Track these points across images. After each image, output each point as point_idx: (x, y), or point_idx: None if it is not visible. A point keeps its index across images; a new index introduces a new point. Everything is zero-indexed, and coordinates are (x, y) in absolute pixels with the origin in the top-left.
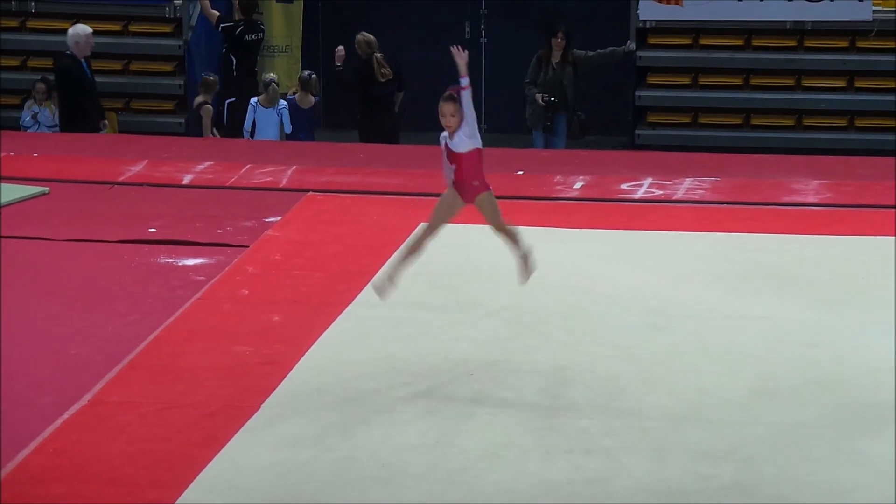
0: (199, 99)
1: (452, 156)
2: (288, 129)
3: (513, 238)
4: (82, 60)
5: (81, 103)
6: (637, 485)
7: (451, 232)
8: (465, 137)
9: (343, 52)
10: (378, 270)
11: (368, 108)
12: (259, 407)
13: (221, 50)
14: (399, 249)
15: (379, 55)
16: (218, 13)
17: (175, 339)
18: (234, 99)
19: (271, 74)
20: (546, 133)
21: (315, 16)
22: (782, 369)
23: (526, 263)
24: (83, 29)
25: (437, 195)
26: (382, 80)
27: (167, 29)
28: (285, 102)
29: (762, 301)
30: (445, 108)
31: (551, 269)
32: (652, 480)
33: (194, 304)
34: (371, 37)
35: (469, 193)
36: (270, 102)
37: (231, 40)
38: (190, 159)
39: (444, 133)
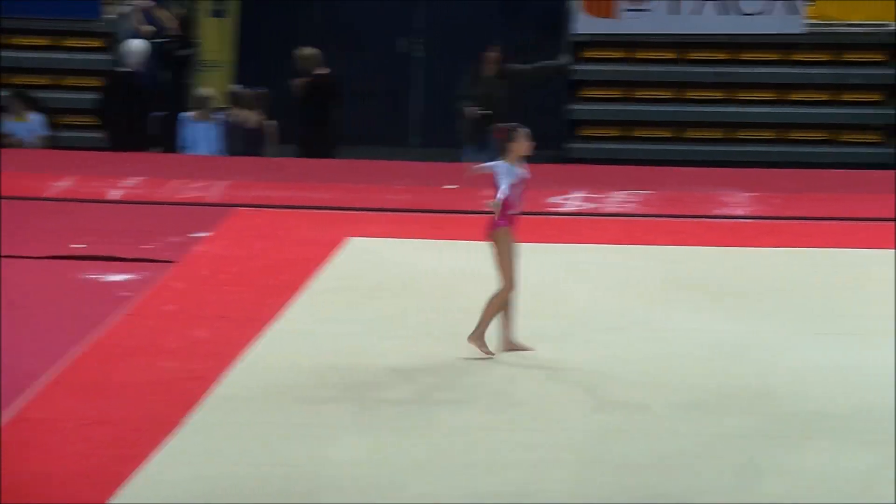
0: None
1: (523, 183)
2: (219, 145)
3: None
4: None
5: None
6: (561, 498)
7: (375, 246)
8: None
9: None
10: (304, 285)
11: (311, 123)
12: (184, 422)
13: (153, 65)
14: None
15: (323, 70)
16: (151, 28)
17: (101, 355)
18: (164, 114)
19: (205, 89)
20: (478, 147)
21: (248, 31)
22: (708, 380)
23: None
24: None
25: (367, 209)
26: (322, 96)
27: (97, 43)
28: (219, 118)
29: (690, 313)
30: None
31: (481, 284)
32: (575, 493)
33: (120, 320)
34: (313, 51)
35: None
36: (203, 118)
37: (161, 55)
38: (119, 175)
39: (501, 163)
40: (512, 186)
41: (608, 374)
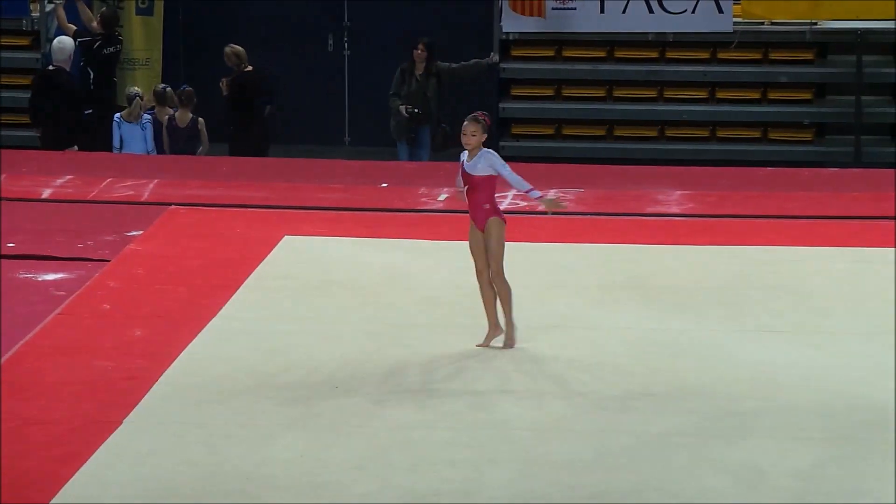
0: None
1: (466, 177)
2: (150, 145)
3: (504, 299)
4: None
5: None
6: (502, 495)
7: (312, 245)
8: (484, 165)
9: (227, 83)
10: (242, 284)
11: (240, 121)
12: (121, 422)
13: (79, 63)
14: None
15: (250, 67)
16: (75, 27)
17: (35, 354)
18: (90, 112)
19: (135, 88)
20: (410, 145)
21: (175, 29)
22: (646, 378)
23: (508, 335)
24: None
25: (302, 208)
26: (250, 93)
27: (24, 42)
28: (149, 117)
29: (626, 311)
30: (468, 127)
31: (418, 281)
32: (517, 491)
33: (55, 320)
34: (240, 48)
35: (480, 219)
36: (134, 117)
37: (88, 54)
38: (49, 173)
39: (465, 153)
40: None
41: (546, 372)
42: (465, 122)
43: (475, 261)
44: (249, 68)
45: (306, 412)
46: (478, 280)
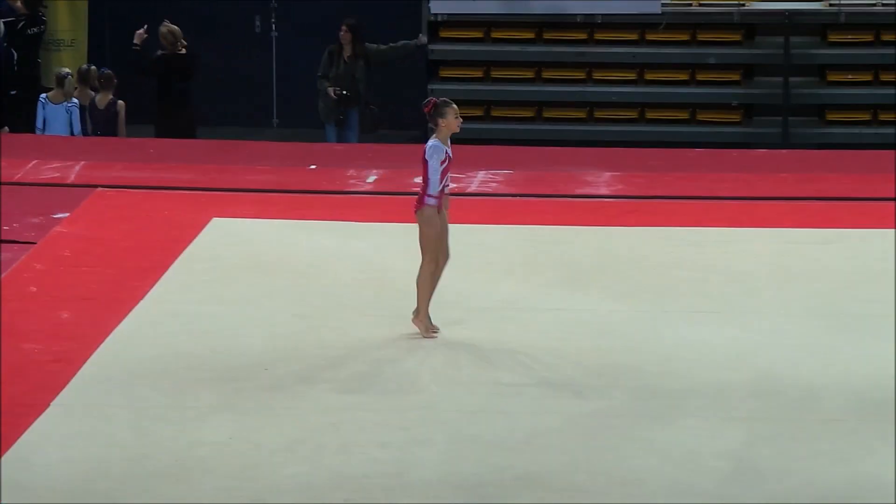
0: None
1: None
2: (77, 127)
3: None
4: None
5: None
6: (433, 477)
7: (240, 227)
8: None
9: (144, 33)
10: (170, 266)
11: (167, 102)
12: (48, 405)
13: (2, 44)
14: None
15: (183, 50)
16: None
17: None
18: (14, 92)
19: (66, 69)
20: (339, 127)
21: (101, 9)
22: (575, 359)
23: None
24: None
25: (231, 190)
26: (177, 74)
27: None
28: (76, 100)
29: (556, 292)
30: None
31: (347, 264)
32: (447, 472)
33: None
34: (176, 28)
35: (444, 199)
36: (65, 97)
37: (12, 34)
38: None
39: (442, 142)
40: (442, 164)
41: (477, 353)
42: (452, 106)
43: (442, 246)
44: (183, 50)
45: (236, 394)
46: (436, 266)
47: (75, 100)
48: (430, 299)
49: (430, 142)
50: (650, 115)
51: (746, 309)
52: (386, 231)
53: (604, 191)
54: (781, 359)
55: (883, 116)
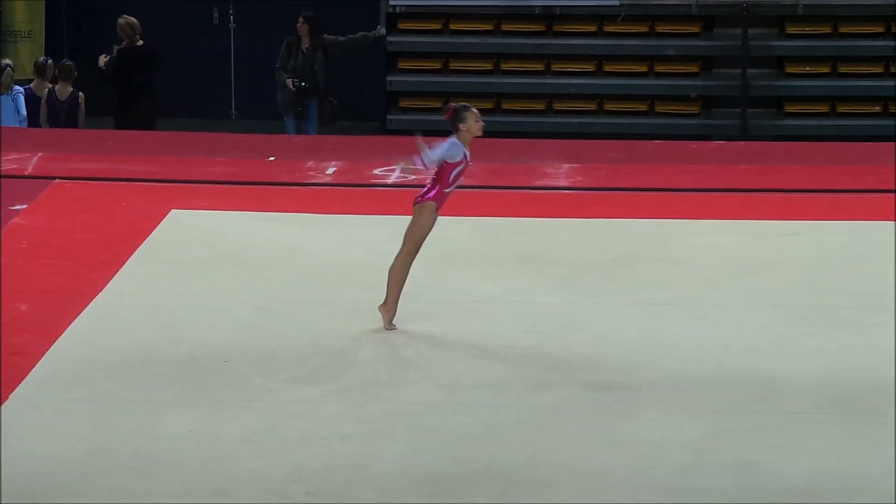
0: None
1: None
2: (22, 115)
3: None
4: None
5: None
6: (394, 470)
7: (200, 219)
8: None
9: (106, 58)
10: (129, 258)
11: (127, 94)
12: (8, 397)
13: None
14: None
15: (141, 41)
16: None
17: None
18: None
19: (6, 60)
20: (297, 119)
21: (58, 1)
22: (536, 352)
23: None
24: None
25: (190, 181)
26: (137, 66)
27: None
28: (20, 88)
29: (516, 285)
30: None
31: (307, 256)
32: (409, 465)
33: None
34: (134, 20)
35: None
36: (5, 88)
37: None
38: None
39: (463, 145)
40: (450, 163)
41: (438, 346)
42: (473, 111)
43: (419, 241)
44: (141, 42)
45: (196, 387)
46: (412, 259)
47: (20, 89)
48: (400, 290)
49: (451, 139)
50: (609, 106)
51: (709, 301)
52: (346, 223)
53: (563, 183)
54: (744, 351)
55: (841, 108)
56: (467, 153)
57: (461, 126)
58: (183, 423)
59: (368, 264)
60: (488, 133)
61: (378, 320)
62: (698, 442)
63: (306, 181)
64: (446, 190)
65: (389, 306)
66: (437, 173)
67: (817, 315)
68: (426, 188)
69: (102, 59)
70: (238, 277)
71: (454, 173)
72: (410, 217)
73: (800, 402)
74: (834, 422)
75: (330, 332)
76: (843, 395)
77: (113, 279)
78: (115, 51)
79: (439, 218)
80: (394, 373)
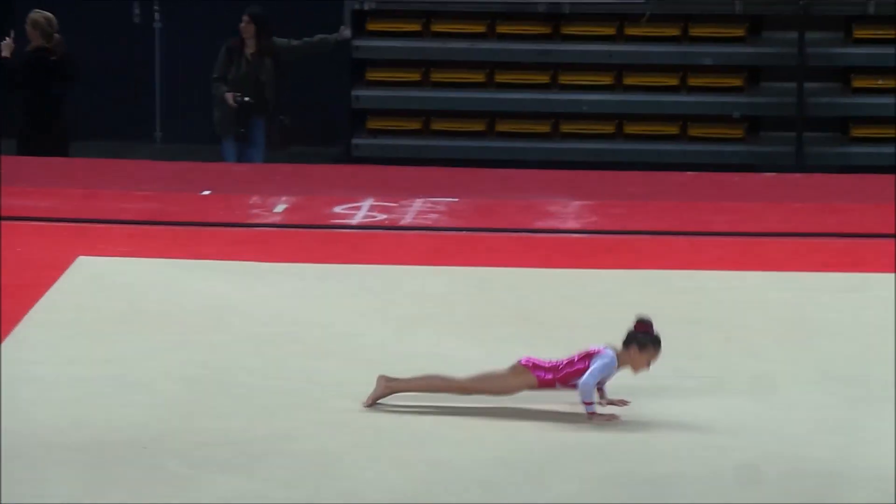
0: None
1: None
2: None
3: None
4: None
5: None
6: None
7: (114, 267)
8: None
9: (11, 42)
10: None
11: (37, 111)
12: None
13: None
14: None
15: (58, 37)
16: None
17: None
18: None
19: None
20: (240, 142)
21: None
22: (535, 437)
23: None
24: None
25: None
26: (48, 75)
27: None
28: None
29: (510, 350)
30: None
31: (248, 314)
32: None
33: None
34: (50, 15)
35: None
36: None
37: None
38: None
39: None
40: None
41: (418, 429)
42: (658, 350)
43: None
44: (47, 43)
45: (106, 479)
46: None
47: None
48: (420, 389)
49: (610, 352)
50: (630, 129)
51: (751, 374)
52: (299, 272)
53: (571, 224)
54: (796, 437)
55: None
56: (617, 371)
57: (634, 351)
58: None
59: (325, 326)
60: (479, 161)
61: (338, 394)
62: None
63: (249, 221)
64: (556, 385)
65: (392, 387)
66: (572, 364)
67: (885, 392)
68: (546, 364)
69: (5, 45)
70: (160, 341)
71: (575, 381)
72: (376, 266)
73: (868, 501)
74: None
75: (276, 411)
76: None
77: (3, 342)
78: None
79: (415, 267)
80: (357, 460)
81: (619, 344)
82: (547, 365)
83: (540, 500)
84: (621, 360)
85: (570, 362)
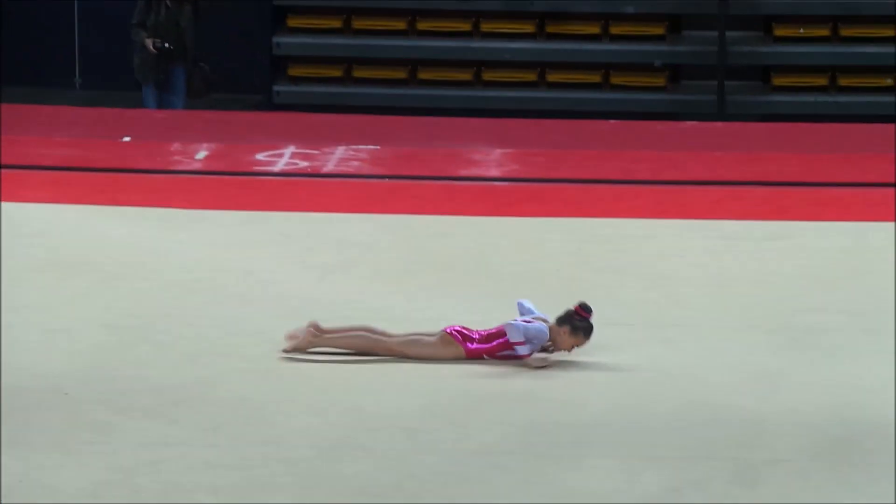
0: None
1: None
2: None
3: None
4: None
5: None
6: None
7: (33, 214)
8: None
9: None
10: None
11: None
12: None
13: None
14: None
15: None
16: None
17: None
18: None
19: None
20: (160, 89)
21: None
22: (459, 382)
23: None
24: None
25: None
26: None
27: None
28: None
29: (434, 298)
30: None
31: (169, 262)
32: None
33: None
34: None
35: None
36: None
37: None
38: None
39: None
40: (513, 342)
41: (336, 375)
42: (588, 336)
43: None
44: None
45: (28, 426)
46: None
47: None
48: (344, 345)
49: (544, 326)
50: (552, 77)
51: (671, 321)
52: (220, 220)
53: (494, 172)
54: (716, 385)
55: (843, 80)
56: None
57: (566, 331)
58: (11, 471)
59: (248, 273)
60: (402, 109)
61: (260, 341)
62: (659, 496)
63: (170, 168)
64: (484, 356)
65: (317, 342)
66: (493, 335)
67: (807, 340)
68: (474, 334)
69: None
70: (81, 288)
71: (503, 353)
72: (302, 213)
73: (786, 448)
74: (828, 472)
75: (197, 358)
76: (838, 439)
77: None
78: None
79: (337, 214)
80: (279, 408)
81: (549, 314)
82: (475, 336)
83: (463, 446)
84: (551, 334)
85: (500, 333)
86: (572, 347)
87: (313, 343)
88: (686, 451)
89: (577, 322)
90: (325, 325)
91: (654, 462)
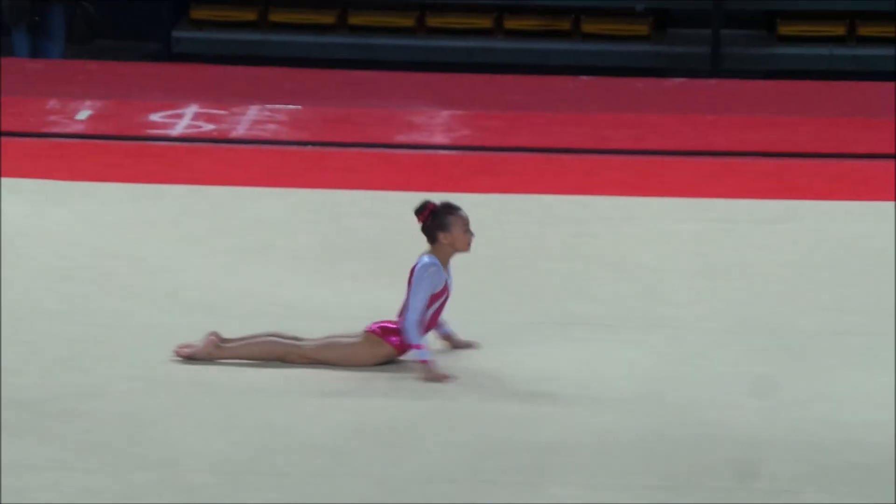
0: None
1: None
2: None
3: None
4: None
5: None
6: None
7: None
8: None
9: None
10: None
11: None
12: None
13: None
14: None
15: None
16: None
17: None
18: None
19: None
20: (33, 33)
21: None
22: (386, 393)
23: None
24: None
25: None
26: None
27: None
28: None
29: (362, 289)
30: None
31: (43, 244)
32: None
33: None
34: None
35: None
36: None
37: None
38: None
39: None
40: (431, 299)
41: (241, 382)
42: (463, 214)
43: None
44: None
45: None
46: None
47: None
48: (250, 355)
49: (425, 258)
50: (511, 23)
51: (650, 321)
52: (105, 194)
53: (439, 138)
54: (703, 399)
55: (863, 30)
56: (449, 277)
57: (441, 236)
58: None
59: (138, 259)
60: (327, 61)
61: (153, 343)
62: None
63: (46, 130)
64: (420, 336)
65: (218, 354)
66: (406, 308)
67: (811, 345)
68: (392, 324)
69: None
70: None
71: (432, 310)
72: (208, 186)
73: (787, 476)
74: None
75: (74, 362)
76: (845, 465)
77: None
78: None
79: (250, 188)
80: (172, 424)
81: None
82: (396, 328)
83: (395, 470)
84: (441, 253)
85: (404, 303)
86: (466, 232)
87: (213, 355)
88: (664, 479)
89: (434, 222)
90: (230, 328)
91: (626, 491)
